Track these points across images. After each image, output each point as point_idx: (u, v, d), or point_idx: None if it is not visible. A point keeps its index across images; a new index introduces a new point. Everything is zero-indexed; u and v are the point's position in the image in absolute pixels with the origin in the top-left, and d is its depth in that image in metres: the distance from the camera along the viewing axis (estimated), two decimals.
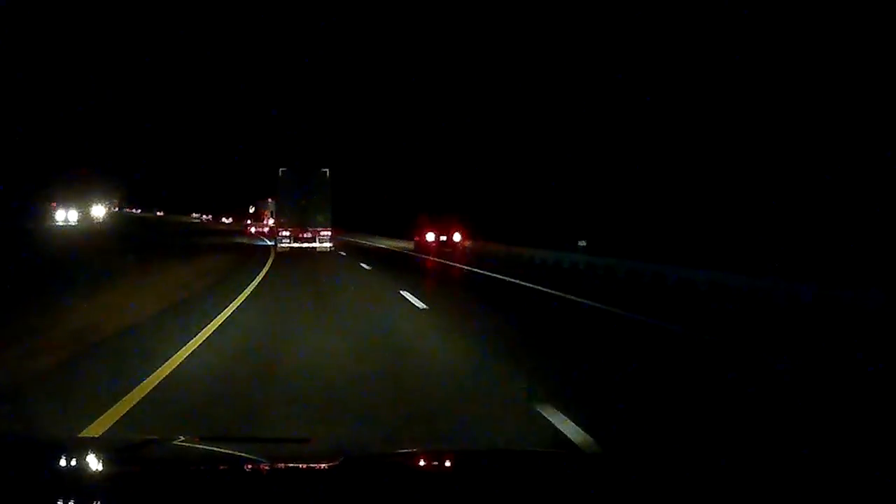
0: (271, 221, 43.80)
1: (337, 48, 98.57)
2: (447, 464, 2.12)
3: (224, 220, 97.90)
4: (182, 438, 2.43)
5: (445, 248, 28.69)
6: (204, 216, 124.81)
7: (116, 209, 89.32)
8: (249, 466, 1.91)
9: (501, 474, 1.86)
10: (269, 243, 32.73)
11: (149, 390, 4.81)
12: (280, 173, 25.27)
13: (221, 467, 1.94)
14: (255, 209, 59.67)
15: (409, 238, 35.44)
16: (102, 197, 69.81)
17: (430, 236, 29.00)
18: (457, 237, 29.14)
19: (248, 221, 62.26)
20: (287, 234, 24.95)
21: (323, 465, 1.93)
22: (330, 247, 25.23)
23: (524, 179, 35.03)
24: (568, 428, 4.02)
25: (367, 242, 39.96)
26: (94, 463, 1.83)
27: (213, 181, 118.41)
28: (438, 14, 63.80)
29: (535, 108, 36.23)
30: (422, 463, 2.13)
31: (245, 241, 39.85)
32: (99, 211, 63.70)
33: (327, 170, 25.52)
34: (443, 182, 41.58)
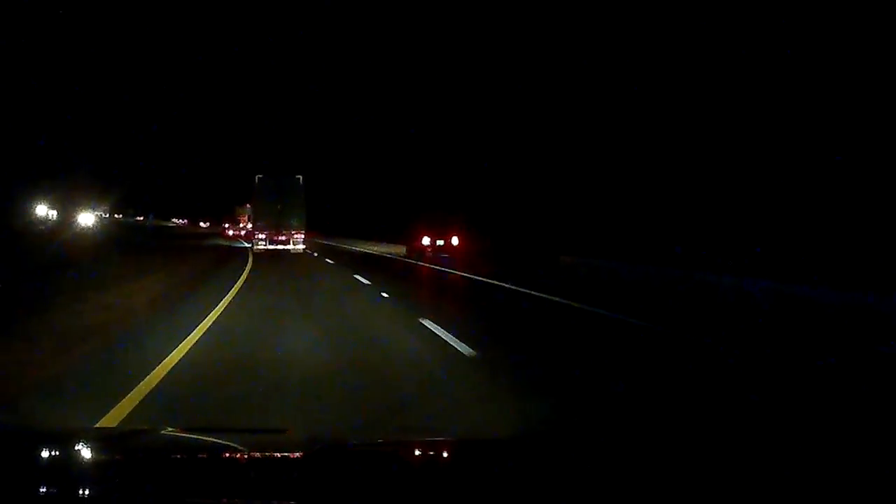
0: (249, 225, 45.42)
1: (315, 54, 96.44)
2: (417, 452, 2.16)
3: (201, 224, 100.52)
4: (169, 429, 2.86)
5: (442, 254, 26.32)
6: (181, 221, 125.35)
7: (105, 214, 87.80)
8: (229, 455, 2.01)
9: (473, 462, 1.99)
10: (245, 245, 34.02)
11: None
12: (256, 180, 26.46)
13: (203, 456, 2.02)
14: (233, 214, 62.33)
15: (399, 242, 33.30)
16: (91, 202, 67.56)
17: (426, 240, 26.58)
18: (455, 241, 26.77)
19: (226, 225, 64.65)
20: (263, 236, 26.29)
21: (298, 455, 2.06)
22: (303, 249, 26.54)
23: (518, 181, 32.96)
24: None
25: (355, 248, 37.28)
26: (86, 451, 1.93)
27: (191, 187, 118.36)
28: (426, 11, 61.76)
29: (531, 107, 34.15)
30: (393, 452, 2.20)
31: (224, 242, 41.21)
32: (87, 217, 61.10)
33: (301, 176, 26.73)
34: (434, 186, 39.12)
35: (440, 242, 26.44)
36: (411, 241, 28.10)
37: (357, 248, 36.16)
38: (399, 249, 31.57)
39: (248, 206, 47.35)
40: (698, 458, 2.02)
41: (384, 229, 40.81)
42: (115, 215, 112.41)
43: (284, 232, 26.07)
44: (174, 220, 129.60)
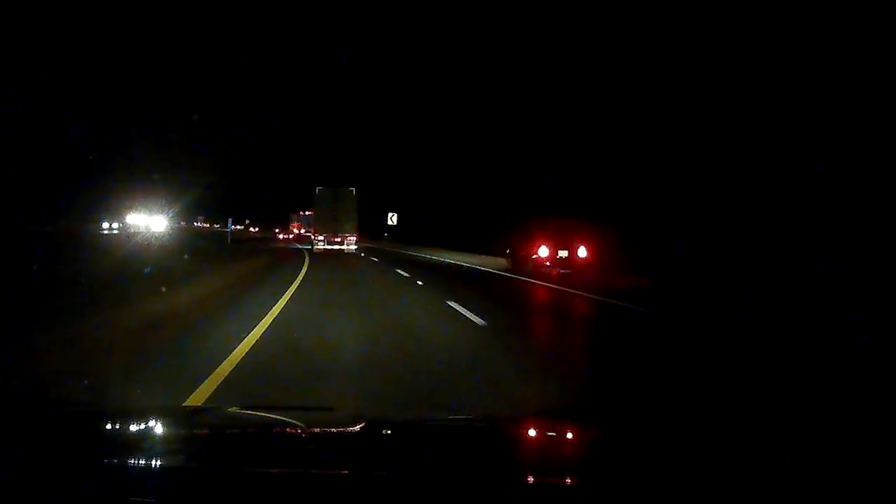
0: (299, 231, 52.99)
1: (370, 73, 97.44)
2: (456, 428, 2.31)
3: (251, 229, 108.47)
4: (234, 407, 3.30)
5: (563, 268, 18.62)
6: (235, 226, 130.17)
7: (177, 221, 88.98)
8: (286, 430, 2.19)
9: (506, 438, 2.12)
10: (298, 246, 39.15)
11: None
12: (316, 191, 30.58)
13: (264, 430, 2.19)
14: (286, 220, 68.71)
15: (491, 252, 26.26)
16: (160, 208, 67.21)
17: (544, 251, 18.85)
18: (583, 252, 18.98)
19: (277, 230, 72.19)
20: (322, 238, 30.16)
21: (347, 429, 2.21)
22: (355, 249, 30.14)
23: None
24: None
25: (439, 258, 29.75)
26: (164, 425, 2.14)
27: (245, 196, 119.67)
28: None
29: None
30: (431, 427, 2.33)
31: (280, 245, 45.30)
32: (159, 222, 59.62)
33: (354, 188, 30.58)
34: (544, 183, 31.34)
35: (563, 253, 18.70)
36: (518, 250, 20.42)
37: (441, 259, 28.62)
38: (495, 261, 24.07)
39: (301, 213, 54.24)
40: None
41: (472, 238, 33.49)
42: (181, 222, 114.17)
43: (339, 235, 29.93)
44: (234, 226, 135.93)
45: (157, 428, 2.10)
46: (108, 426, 2.10)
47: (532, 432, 2.22)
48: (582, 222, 19.90)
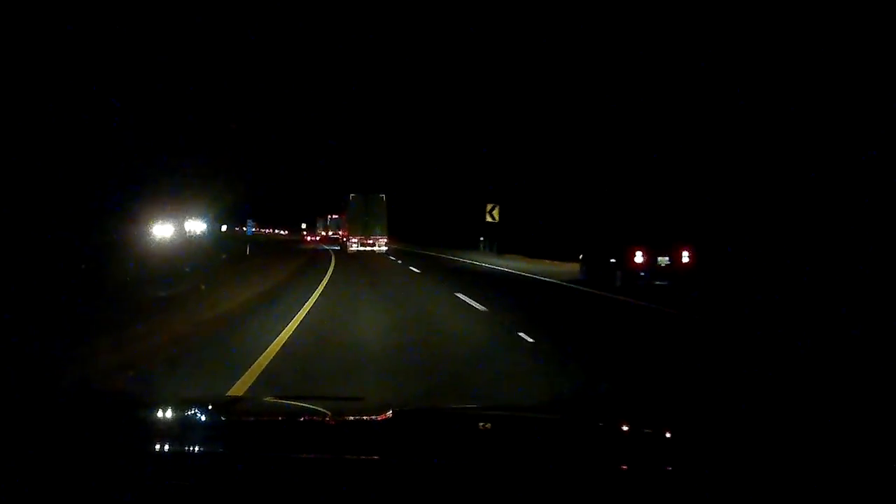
0: (325, 233, 57.16)
1: (399, 84, 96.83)
2: (480, 416, 2.32)
3: (280, 231, 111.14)
4: (269, 398, 3.48)
5: (659, 279, 14.17)
6: (264, 229, 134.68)
7: (213, 224, 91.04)
8: (320, 418, 2.23)
9: (528, 426, 2.13)
10: (325, 247, 42.63)
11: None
12: (350, 197, 33.46)
13: (299, 418, 2.25)
14: (313, 223, 71.97)
15: (559, 257, 21.58)
16: (201, 213, 67.03)
17: (639, 257, 14.34)
18: (686, 258, 14.48)
19: (305, 232, 75.58)
20: (355, 240, 32.77)
21: (377, 417, 2.24)
22: (385, 250, 32.15)
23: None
24: None
25: (488, 265, 25.37)
26: (207, 413, 2.22)
27: (274, 199, 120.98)
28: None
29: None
30: (455, 415, 2.42)
31: (309, 247, 46.89)
32: (198, 225, 59.01)
33: (383, 195, 33.36)
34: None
35: (663, 260, 14.21)
36: (602, 255, 15.91)
37: (491, 266, 24.25)
38: (557, 267, 19.70)
39: (329, 216, 56.57)
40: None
41: (523, 241, 29.36)
42: (222, 226, 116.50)
43: (371, 237, 32.57)
44: (263, 229, 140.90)
45: (200, 416, 2.16)
46: (155, 415, 2.16)
47: (554, 421, 2.23)
48: (681, 219, 15.43)
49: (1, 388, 4.04)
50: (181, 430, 1.95)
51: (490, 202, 32.61)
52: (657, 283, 14.13)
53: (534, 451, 1.67)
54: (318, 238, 61.46)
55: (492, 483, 1.36)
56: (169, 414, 2.16)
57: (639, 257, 14.06)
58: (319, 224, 64.38)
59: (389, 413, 2.19)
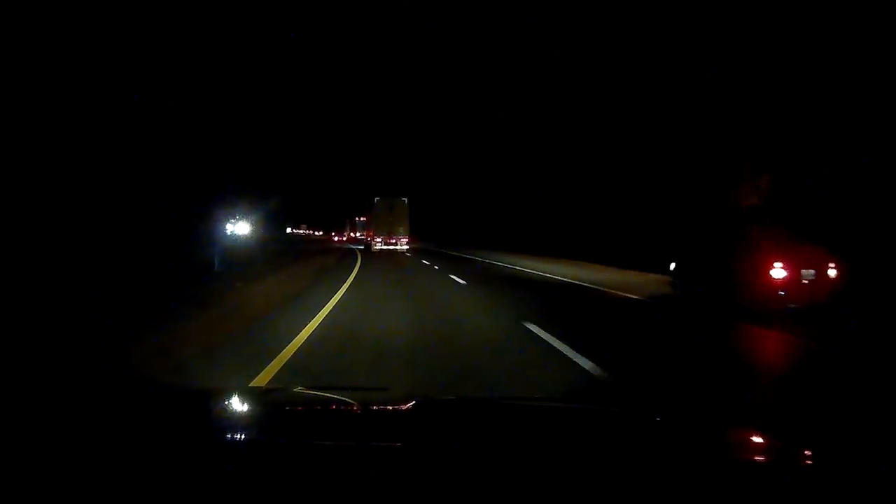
0: (354, 234, 60.75)
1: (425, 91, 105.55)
2: (502, 406, 2.36)
3: (315, 232, 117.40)
4: (298, 388, 3.30)
5: (790, 302, 10.43)
6: (298, 230, 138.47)
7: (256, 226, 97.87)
8: (346, 408, 2.24)
9: (545, 415, 2.12)
10: (351, 246, 47.12)
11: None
12: (375, 200, 37.45)
13: (327, 408, 2.28)
14: (342, 224, 77.19)
15: (614, 262, 20.13)
16: (246, 216, 72.08)
17: (780, 270, 10.60)
18: (833, 271, 10.77)
19: (333, 233, 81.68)
20: (380, 240, 36.71)
21: (401, 407, 2.27)
22: (406, 249, 36.32)
23: None
24: None
25: (540, 271, 21.56)
26: (236, 404, 2.21)
27: (307, 202, 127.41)
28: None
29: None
30: (476, 405, 2.42)
31: (335, 245, 50.77)
32: (244, 227, 63.39)
33: (406, 199, 37.33)
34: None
35: (808, 274, 10.46)
36: (712, 266, 11.92)
37: (543, 273, 20.49)
38: (623, 275, 16.08)
39: (356, 218, 60.12)
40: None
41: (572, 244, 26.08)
42: (263, 230, 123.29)
43: (394, 237, 36.41)
44: (296, 230, 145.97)
45: (230, 406, 2.17)
46: (189, 405, 2.15)
47: (574, 411, 2.24)
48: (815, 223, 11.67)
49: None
50: (217, 420, 1.98)
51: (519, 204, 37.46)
52: (791, 305, 10.41)
53: (552, 439, 1.71)
54: (344, 238, 68.47)
55: (510, 469, 1.37)
56: (204, 404, 2.18)
57: (778, 270, 10.29)
58: (347, 226, 69.97)
59: (413, 402, 2.23)
